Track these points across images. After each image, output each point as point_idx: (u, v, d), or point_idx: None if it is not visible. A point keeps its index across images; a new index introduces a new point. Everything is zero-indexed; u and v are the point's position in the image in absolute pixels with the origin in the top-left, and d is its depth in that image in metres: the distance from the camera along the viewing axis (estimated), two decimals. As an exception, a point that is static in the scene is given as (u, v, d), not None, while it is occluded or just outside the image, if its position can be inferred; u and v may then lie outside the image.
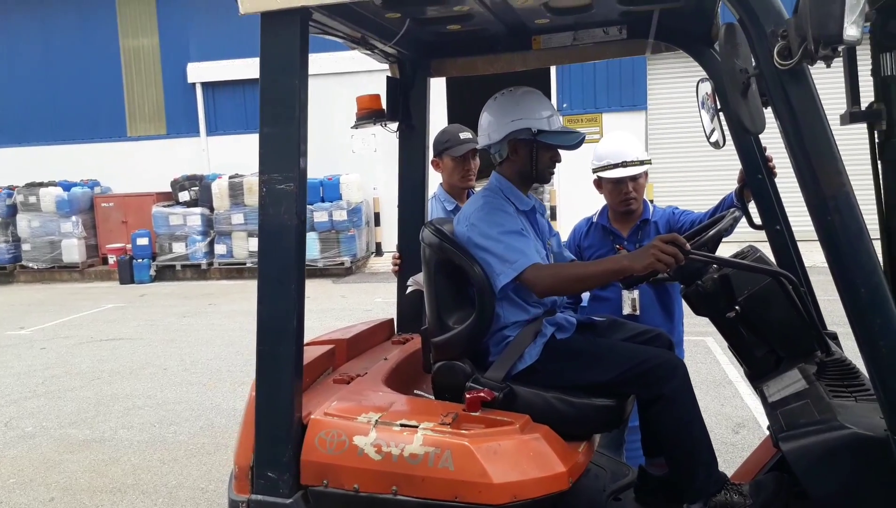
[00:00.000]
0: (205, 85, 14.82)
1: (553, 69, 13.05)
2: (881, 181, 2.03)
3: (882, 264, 1.79)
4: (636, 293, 3.13)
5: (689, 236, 2.28)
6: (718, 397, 5.38)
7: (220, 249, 13.32)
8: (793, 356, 2.12)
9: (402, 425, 2.03)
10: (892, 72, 1.94)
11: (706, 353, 6.48)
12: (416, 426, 2.01)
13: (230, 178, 13.27)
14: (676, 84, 12.67)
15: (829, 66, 1.62)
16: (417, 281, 2.70)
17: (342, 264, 12.73)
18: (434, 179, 3.28)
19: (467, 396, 2.10)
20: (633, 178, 3.11)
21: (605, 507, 2.33)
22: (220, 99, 14.89)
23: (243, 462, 2.15)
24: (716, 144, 2.54)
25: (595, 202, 3.38)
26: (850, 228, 1.70)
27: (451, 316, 2.29)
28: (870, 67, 2.00)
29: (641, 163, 3.10)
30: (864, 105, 2.01)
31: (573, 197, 7.33)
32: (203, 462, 4.73)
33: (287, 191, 2.04)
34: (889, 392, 1.73)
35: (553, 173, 2.42)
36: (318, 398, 2.24)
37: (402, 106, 2.99)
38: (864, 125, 2.02)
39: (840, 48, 1.57)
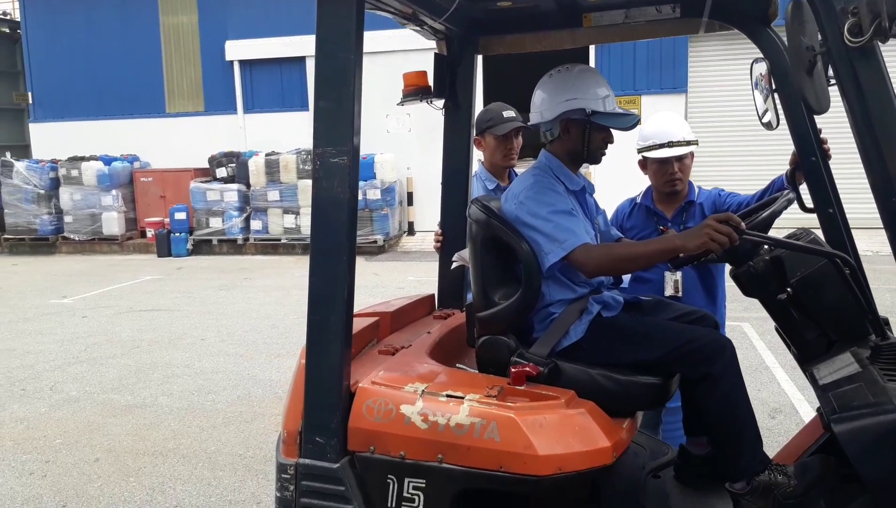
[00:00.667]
0: (242, 63, 14.95)
1: (592, 49, 12.85)
2: None
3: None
4: (679, 275, 3.10)
5: (740, 218, 2.25)
6: (755, 382, 5.33)
7: (255, 225, 13.52)
8: (845, 339, 2.08)
9: (448, 395, 2.05)
10: None
11: (743, 338, 6.42)
12: (462, 398, 2.03)
13: (266, 155, 13.40)
14: (718, 66, 12.32)
15: (901, 43, 1.58)
16: (463, 257, 2.72)
17: (375, 242, 12.83)
18: (475, 158, 3.28)
19: (512, 370, 2.12)
20: (679, 158, 3.08)
21: (645, 484, 2.33)
22: (258, 77, 15.01)
23: (292, 427, 2.19)
24: (768, 125, 2.49)
25: (631, 183, 3.34)
26: None
27: (496, 292, 2.30)
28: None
29: (688, 143, 3.07)
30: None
31: (609, 177, 7.23)
32: (241, 429, 4.85)
33: (341, 165, 2.06)
34: None
35: (604, 154, 2.38)
36: (364, 368, 2.28)
37: (449, 83, 2.99)
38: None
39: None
